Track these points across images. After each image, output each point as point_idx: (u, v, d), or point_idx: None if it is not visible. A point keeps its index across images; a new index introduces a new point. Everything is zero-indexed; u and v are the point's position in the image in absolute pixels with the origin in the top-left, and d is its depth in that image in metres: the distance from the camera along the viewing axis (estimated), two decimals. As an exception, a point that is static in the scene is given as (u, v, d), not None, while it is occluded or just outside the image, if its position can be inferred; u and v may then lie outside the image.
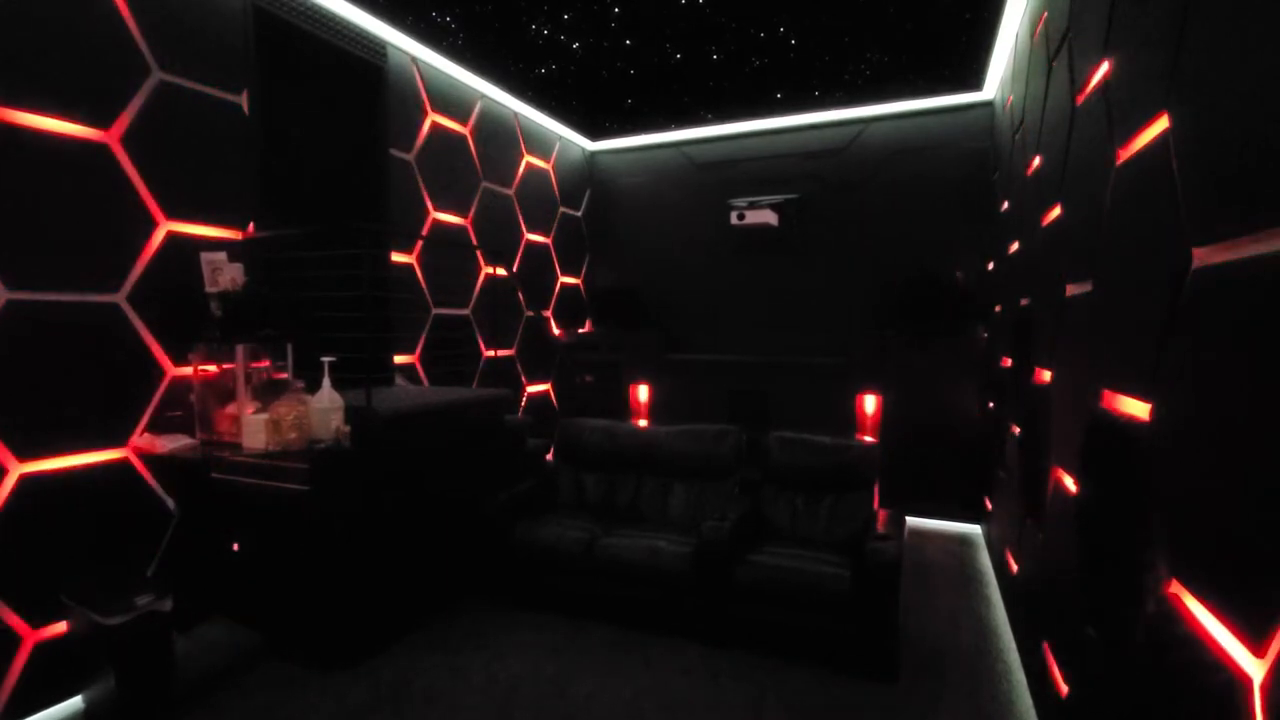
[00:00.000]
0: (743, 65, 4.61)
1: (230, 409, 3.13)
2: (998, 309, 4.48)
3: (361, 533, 3.01)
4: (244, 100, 3.32)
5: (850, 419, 5.15)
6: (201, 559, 3.07)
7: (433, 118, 4.59)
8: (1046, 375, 2.72)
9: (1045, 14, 3.13)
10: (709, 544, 3.17)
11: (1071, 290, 2.36)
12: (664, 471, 3.99)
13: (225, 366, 3.11)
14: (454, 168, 4.83)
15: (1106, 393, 1.86)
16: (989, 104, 5.26)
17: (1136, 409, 1.62)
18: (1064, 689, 2.16)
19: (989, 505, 4.48)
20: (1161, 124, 1.54)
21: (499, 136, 5.33)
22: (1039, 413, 2.75)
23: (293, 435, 2.95)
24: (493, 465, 3.89)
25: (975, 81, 5.03)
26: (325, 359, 3.06)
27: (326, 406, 3.04)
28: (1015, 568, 3.24)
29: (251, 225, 3.39)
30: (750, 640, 3.12)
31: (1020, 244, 3.61)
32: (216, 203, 3.22)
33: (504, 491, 3.79)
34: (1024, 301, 3.37)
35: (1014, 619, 3.28)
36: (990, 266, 4.97)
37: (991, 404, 4.52)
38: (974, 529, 4.94)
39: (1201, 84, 1.37)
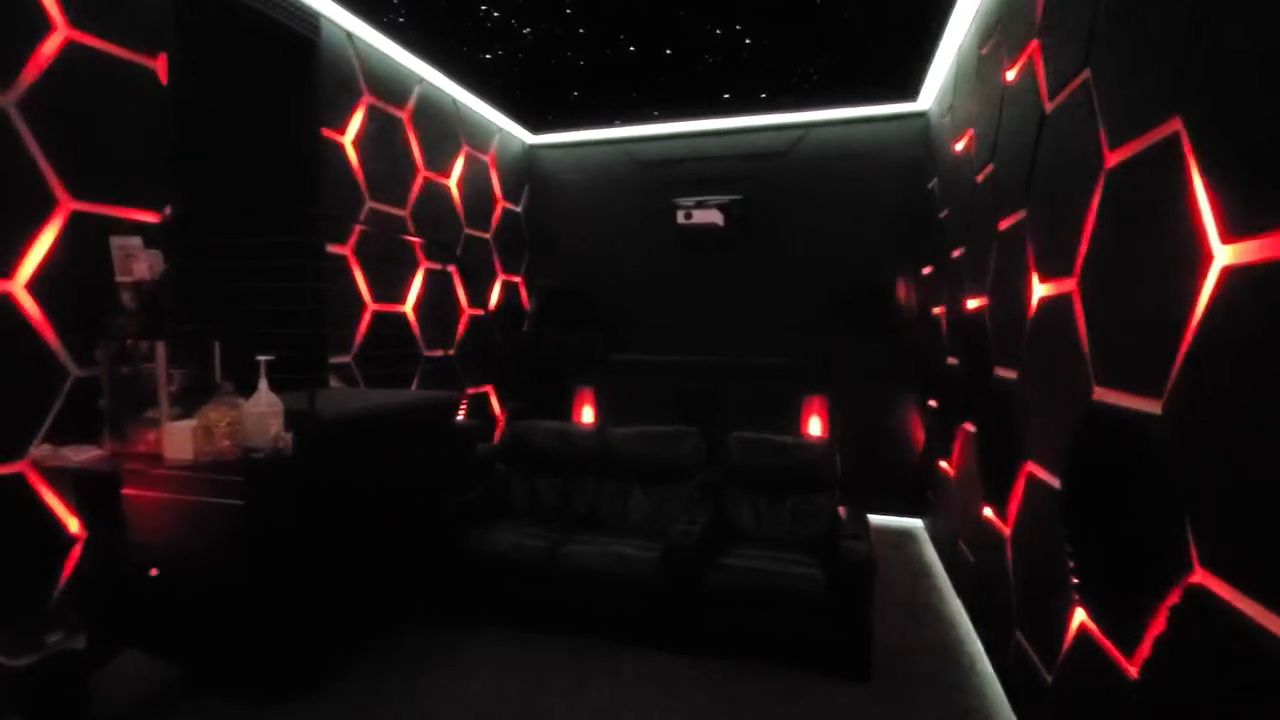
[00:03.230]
0: (696, 62, 4.57)
1: (148, 415, 2.76)
2: (937, 311, 4.65)
3: (304, 549, 2.73)
4: (161, 66, 2.94)
5: (797, 418, 5.22)
6: (114, 586, 2.68)
7: (369, 99, 4.28)
8: (1010, 374, 2.82)
9: (999, 25, 3.25)
10: (678, 549, 3.09)
11: (1045, 292, 2.44)
12: (622, 475, 3.88)
13: (143, 366, 2.73)
14: (392, 154, 4.52)
15: (1100, 390, 1.92)
16: (923, 114, 5.48)
17: (1141, 404, 1.66)
18: (1048, 677, 2.22)
19: (931, 500, 4.64)
20: (1172, 126, 1.59)
21: (438, 124, 5.04)
22: (1004, 410, 2.84)
23: (225, 444, 2.63)
24: (443, 471, 3.64)
25: (912, 92, 5.23)
26: (262, 358, 2.75)
27: (264, 410, 2.73)
28: (972, 559, 3.35)
29: (169, 208, 3.00)
30: (722, 646, 3.06)
31: (967, 249, 3.75)
32: (129, 181, 2.83)
33: (456, 499, 3.56)
34: (975, 303, 3.50)
35: (971, 609, 3.39)
36: (927, 271, 5.17)
37: (933, 402, 4.69)
38: (915, 523, 5.12)
39: (1220, 83, 1.42)
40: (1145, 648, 1.58)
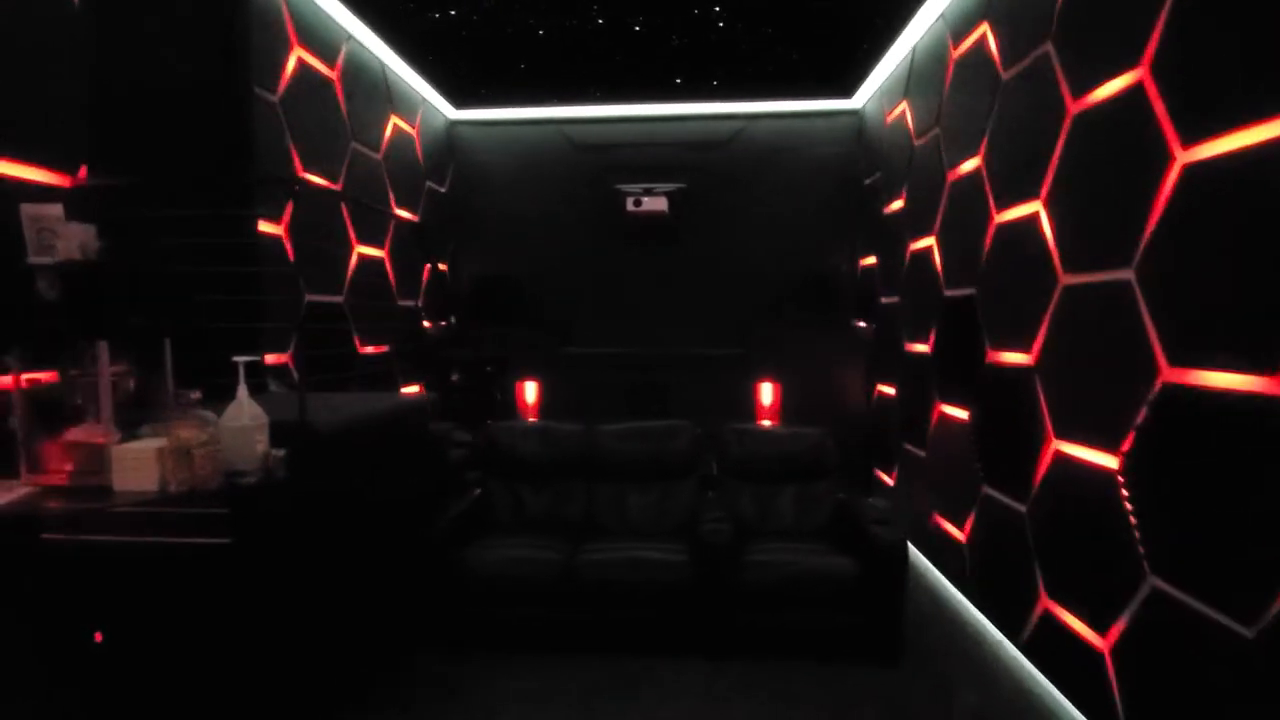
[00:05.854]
0: (662, 42, 4.39)
1: (74, 435, 2.14)
2: (890, 300, 4.86)
3: (302, 588, 2.27)
4: (73, -15, 2.28)
5: (750, 407, 5.25)
6: (41, 658, 2.05)
7: (298, 52, 3.65)
8: (1020, 357, 2.97)
9: (984, 25, 3.41)
10: (711, 548, 2.96)
11: (1077, 279, 2.58)
12: (615, 475, 3.65)
13: (71, 374, 2.11)
14: (323, 119, 3.91)
15: (1175, 370, 2.04)
16: (856, 112, 5.71)
17: (1246, 383, 1.78)
18: (1101, 645, 2.36)
19: (889, 479, 4.86)
20: (1290, 124, 1.70)
21: (367, 89, 4.44)
22: (1016, 392, 2.98)
23: (206, 469, 2.10)
24: (425, 484, 3.21)
25: (849, 89, 5.41)
26: (240, 359, 2.23)
27: (247, 424, 2.21)
28: (963, 536, 3.52)
29: (84, 169, 2.35)
30: (756, 646, 2.97)
31: (939, 241, 3.93)
32: (35, 133, 2.17)
33: (444, 514, 3.16)
34: (956, 292, 3.67)
35: (962, 582, 3.57)
36: (870, 262, 5.39)
37: (888, 386, 4.91)
38: (863, 503, 5.35)
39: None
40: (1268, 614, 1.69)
